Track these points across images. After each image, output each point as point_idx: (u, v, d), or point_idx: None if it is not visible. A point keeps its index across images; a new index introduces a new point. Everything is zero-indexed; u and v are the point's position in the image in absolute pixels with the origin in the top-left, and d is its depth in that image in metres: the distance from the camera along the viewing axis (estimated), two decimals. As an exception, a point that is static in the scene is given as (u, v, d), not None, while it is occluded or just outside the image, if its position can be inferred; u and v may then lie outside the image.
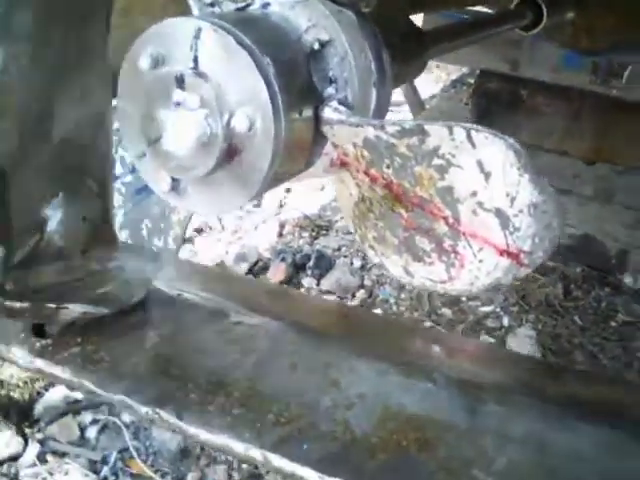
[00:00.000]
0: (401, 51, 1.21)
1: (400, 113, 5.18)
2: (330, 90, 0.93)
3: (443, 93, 6.07)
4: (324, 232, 4.02)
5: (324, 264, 3.57)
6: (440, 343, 1.03)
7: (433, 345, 0.99)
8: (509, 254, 0.86)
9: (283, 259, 3.62)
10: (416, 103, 5.16)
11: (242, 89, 0.82)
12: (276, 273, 3.52)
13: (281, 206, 4.36)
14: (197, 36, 0.81)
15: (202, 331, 0.89)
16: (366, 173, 0.95)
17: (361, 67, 0.95)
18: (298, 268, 3.57)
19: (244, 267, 3.56)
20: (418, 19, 3.34)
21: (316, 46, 0.90)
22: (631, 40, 2.87)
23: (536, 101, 3.72)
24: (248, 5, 0.92)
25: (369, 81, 0.97)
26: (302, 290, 3.40)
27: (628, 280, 3.67)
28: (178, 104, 0.84)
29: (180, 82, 0.83)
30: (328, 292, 3.39)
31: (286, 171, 0.92)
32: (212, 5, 0.93)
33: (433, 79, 6.39)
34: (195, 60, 0.82)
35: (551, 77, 3.60)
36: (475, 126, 0.80)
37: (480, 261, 0.89)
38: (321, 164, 0.99)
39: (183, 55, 0.83)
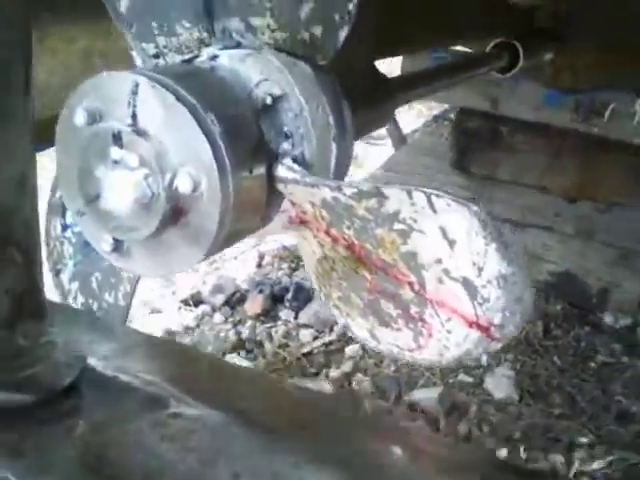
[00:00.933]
0: (364, 101, 1.16)
1: (383, 146, 5.14)
2: (285, 146, 0.87)
3: (425, 128, 6.03)
4: (303, 264, 3.94)
5: (302, 296, 3.49)
6: (413, 446, 0.92)
7: (405, 449, 0.89)
8: (479, 326, 0.81)
9: (261, 291, 3.53)
10: (398, 137, 5.13)
11: (184, 148, 0.76)
12: (253, 305, 3.43)
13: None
14: (135, 91, 0.75)
15: (138, 422, 0.79)
16: (327, 233, 0.89)
17: (318, 122, 0.89)
18: (276, 300, 3.48)
19: (220, 298, 3.47)
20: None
21: (268, 101, 0.84)
22: (613, 78, 2.86)
23: (516, 139, 3.70)
24: (195, 57, 0.86)
25: (328, 136, 0.91)
26: (279, 323, 3.33)
27: (608, 319, 3.61)
28: (116, 162, 0.78)
29: (117, 139, 0.77)
30: (305, 325, 3.31)
31: (240, 230, 0.86)
32: (156, 57, 0.87)
33: (415, 114, 6.37)
34: (133, 116, 0.76)
35: (532, 115, 3.58)
36: (436, 191, 0.74)
37: (448, 332, 0.84)
38: (279, 221, 0.92)
39: (121, 111, 0.77)
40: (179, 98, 0.74)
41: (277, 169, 0.84)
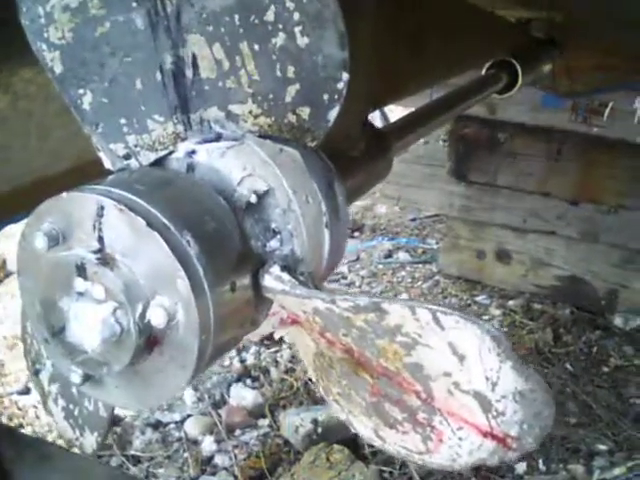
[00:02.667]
0: (361, 163, 1.08)
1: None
2: (274, 244, 0.79)
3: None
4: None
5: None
6: None
7: None
8: (494, 437, 0.74)
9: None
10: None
11: (157, 276, 0.67)
12: (256, 330, 3.37)
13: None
14: (100, 214, 0.67)
15: None
16: (321, 335, 0.81)
17: (309, 213, 0.81)
18: (279, 323, 3.42)
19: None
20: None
21: (253, 199, 0.76)
22: (611, 79, 2.79)
23: (515, 144, 3.63)
24: (170, 154, 0.78)
25: (320, 225, 0.83)
26: (284, 346, 3.27)
27: (618, 321, 3.58)
28: (81, 294, 0.69)
29: (82, 270, 0.68)
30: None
31: (226, 343, 0.78)
32: (127, 157, 0.78)
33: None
34: (100, 241, 0.68)
35: (530, 118, 3.51)
36: (442, 307, 0.67)
37: (460, 439, 0.77)
38: (269, 322, 0.84)
39: (86, 234, 0.69)
40: (150, 222, 0.66)
41: (264, 279, 0.75)
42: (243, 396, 2.90)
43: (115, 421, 2.80)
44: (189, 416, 2.83)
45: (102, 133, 0.79)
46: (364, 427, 0.88)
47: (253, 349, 3.25)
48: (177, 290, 0.66)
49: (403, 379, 0.76)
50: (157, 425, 2.80)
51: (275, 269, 0.75)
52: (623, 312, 3.61)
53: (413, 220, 4.70)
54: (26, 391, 2.95)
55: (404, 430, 0.82)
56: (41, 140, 1.50)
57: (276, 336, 0.79)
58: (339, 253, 0.90)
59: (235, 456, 2.58)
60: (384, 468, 2.51)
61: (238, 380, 3.03)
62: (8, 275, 3.80)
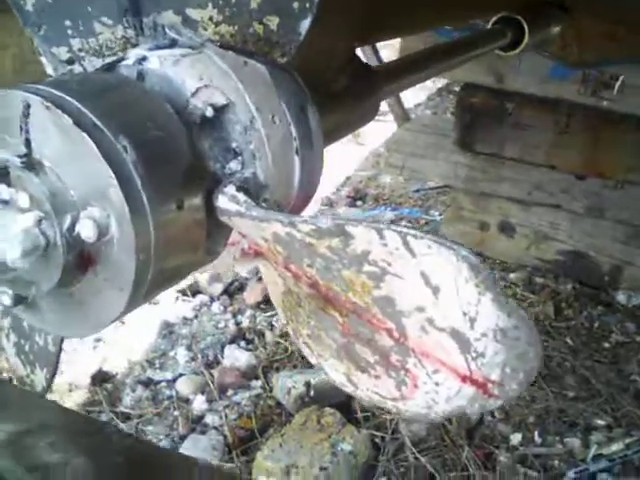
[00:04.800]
0: (343, 98, 0.99)
1: (386, 122, 4.97)
2: (234, 165, 0.71)
3: (428, 101, 5.86)
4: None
5: (303, 283, 3.37)
6: None
7: None
8: (473, 381, 0.67)
9: (260, 279, 3.42)
10: (400, 113, 4.95)
11: (88, 184, 0.60)
12: (252, 293, 3.33)
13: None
14: (26, 114, 0.59)
15: None
16: (286, 268, 0.74)
17: (275, 134, 0.73)
18: (276, 289, 3.37)
19: (219, 288, 3.37)
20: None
21: (209, 113, 0.68)
22: (621, 51, 2.70)
23: (522, 114, 3.53)
24: (120, 60, 0.69)
25: (289, 150, 0.75)
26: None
27: (621, 297, 3.52)
28: (5, 202, 0.62)
29: (4, 175, 0.60)
30: (306, 315, 3.19)
31: (174, 269, 0.70)
32: (70, 62, 0.70)
33: (418, 87, 6.19)
34: (27, 144, 0.60)
35: (538, 89, 3.41)
36: (413, 231, 0.59)
37: (437, 384, 0.70)
38: (230, 253, 0.77)
39: (12, 137, 0.61)
40: (79, 121, 0.58)
41: (218, 199, 0.68)
42: (237, 357, 2.86)
43: (105, 378, 2.77)
44: (181, 375, 2.79)
45: (44, 35, 0.71)
46: (335, 372, 0.82)
47: (249, 312, 3.20)
48: (109, 200, 0.59)
49: (373, 315, 0.69)
50: (148, 383, 2.76)
51: (230, 189, 0.68)
52: (626, 289, 3.55)
53: (417, 191, 4.61)
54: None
55: (376, 374, 0.76)
56: (17, 74, 1.43)
57: (238, 270, 0.71)
58: (312, 185, 0.82)
59: (226, 416, 2.54)
60: (376, 433, 2.46)
61: (232, 342, 2.99)
62: None
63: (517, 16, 1.96)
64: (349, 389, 0.83)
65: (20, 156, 0.60)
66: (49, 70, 0.73)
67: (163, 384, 2.77)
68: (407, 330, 0.67)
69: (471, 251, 0.59)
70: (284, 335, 3.03)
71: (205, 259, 0.74)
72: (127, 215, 0.59)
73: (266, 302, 3.28)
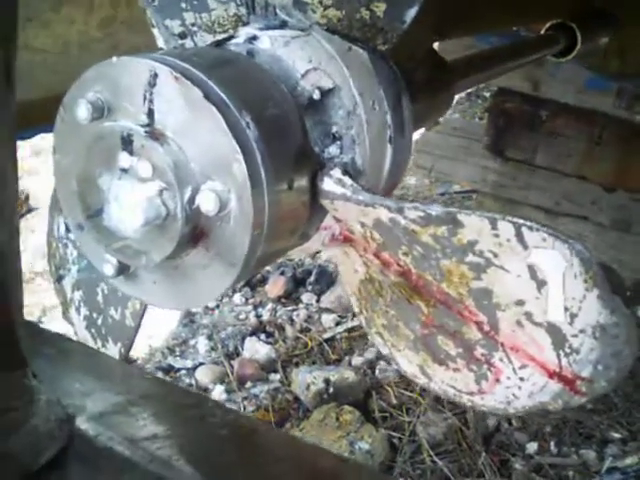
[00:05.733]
0: (425, 89, 1.00)
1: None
2: (333, 150, 0.71)
3: (457, 106, 5.84)
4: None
5: (325, 280, 3.37)
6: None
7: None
8: (561, 378, 0.67)
9: (282, 273, 3.42)
10: (429, 116, 4.92)
11: (211, 158, 0.60)
12: (274, 287, 3.33)
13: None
14: (152, 83, 0.59)
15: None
16: (376, 255, 0.74)
17: (374, 121, 0.73)
18: (298, 283, 3.38)
19: (241, 280, 3.37)
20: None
21: (316, 95, 0.68)
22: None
23: (556, 123, 3.52)
24: (230, 38, 0.70)
25: (384, 137, 0.75)
26: (301, 306, 3.22)
27: (641, 313, 3.49)
28: (124, 171, 0.62)
29: (127, 143, 0.61)
30: (327, 309, 3.20)
31: (273, 252, 0.71)
32: (182, 36, 0.70)
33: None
34: (149, 115, 0.60)
35: (573, 99, 3.40)
36: (529, 222, 0.59)
37: (521, 379, 0.69)
38: (319, 238, 0.77)
39: (134, 106, 0.61)
40: (208, 94, 0.58)
41: (323, 182, 0.68)
42: (257, 349, 2.86)
43: (126, 362, 2.77)
44: (201, 364, 2.79)
45: (158, 7, 0.71)
46: (408, 363, 0.82)
47: (270, 305, 3.20)
48: (232, 175, 0.59)
49: (465, 307, 0.69)
50: (168, 370, 2.77)
51: (336, 172, 0.68)
52: (648, 305, 3.51)
53: (442, 195, 4.60)
54: (38, 326, 2.92)
55: (456, 367, 0.75)
56: (82, 49, 1.44)
57: (324, 255, 0.71)
58: (399, 174, 0.83)
59: (244, 407, 2.54)
60: (393, 434, 2.46)
61: (252, 334, 2.99)
62: (30, 211, 3.75)
63: (570, 23, 1.96)
64: (421, 381, 0.83)
65: (143, 125, 0.60)
66: (160, 43, 0.73)
67: (183, 372, 2.78)
68: (500, 324, 0.67)
69: (586, 246, 0.59)
70: (304, 331, 3.03)
71: (297, 243, 0.75)
72: (248, 191, 0.59)
73: (287, 297, 3.29)
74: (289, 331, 3.05)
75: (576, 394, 0.67)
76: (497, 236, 0.61)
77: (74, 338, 1.01)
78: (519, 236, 0.60)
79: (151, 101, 0.60)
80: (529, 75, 3.43)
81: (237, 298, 3.26)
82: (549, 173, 3.61)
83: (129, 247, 0.64)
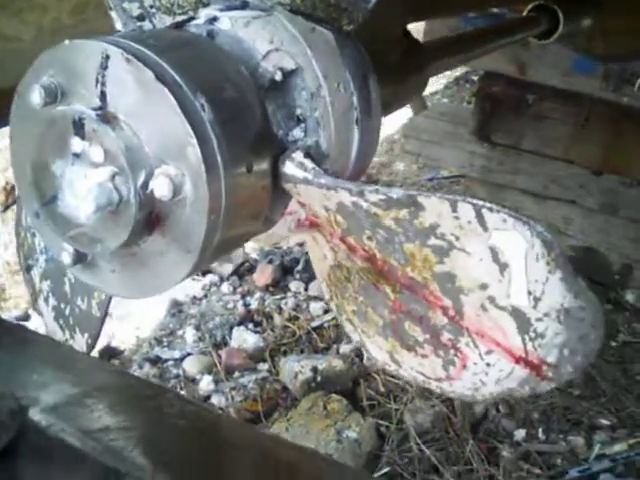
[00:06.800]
0: (395, 72, 0.98)
1: (402, 109, 4.94)
2: (297, 133, 0.70)
3: (445, 90, 5.82)
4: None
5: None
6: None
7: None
8: (527, 363, 0.66)
9: (271, 261, 3.41)
10: (417, 101, 4.91)
11: (165, 141, 0.59)
12: (262, 275, 3.32)
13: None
14: (104, 65, 0.58)
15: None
16: (342, 240, 0.73)
17: (339, 103, 0.72)
18: (286, 271, 3.37)
19: (228, 268, 3.36)
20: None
21: (278, 77, 0.67)
22: (648, 46, 2.68)
23: (542, 106, 3.51)
24: (190, 19, 0.68)
25: (350, 119, 0.74)
26: (289, 294, 3.20)
27: (630, 297, 3.50)
28: (77, 156, 0.61)
29: (79, 128, 0.59)
30: (316, 297, 3.19)
31: (234, 237, 0.70)
32: (141, 18, 0.69)
33: (435, 75, 6.15)
34: (102, 97, 0.59)
35: (560, 81, 3.39)
36: (488, 203, 0.58)
37: (488, 365, 0.69)
38: (285, 223, 0.76)
39: (87, 90, 0.60)
40: (160, 76, 0.57)
41: (285, 165, 0.67)
42: (244, 339, 2.85)
43: (113, 353, 2.77)
44: (189, 354, 2.79)
45: (115, -12, 0.70)
46: (378, 349, 0.81)
47: (258, 294, 3.19)
48: (186, 159, 0.58)
49: (430, 292, 0.68)
50: (156, 360, 2.76)
51: (298, 155, 0.67)
52: (635, 288, 3.52)
53: (430, 180, 4.59)
54: (25, 317, 2.91)
55: (424, 353, 0.75)
56: (55, 36, 1.42)
57: (292, 241, 0.70)
58: (367, 157, 0.82)
59: (232, 397, 2.53)
60: (381, 422, 2.46)
61: (240, 324, 2.98)
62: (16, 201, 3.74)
63: (553, 5, 1.95)
64: (391, 368, 0.82)
65: (95, 109, 0.59)
66: (118, 25, 0.72)
67: (170, 362, 2.77)
68: (464, 308, 0.67)
69: (547, 228, 0.58)
70: (292, 319, 3.03)
71: (261, 229, 0.73)
72: (203, 175, 0.58)
73: (275, 285, 3.28)
74: (277, 320, 3.04)
75: (543, 380, 0.67)
76: (458, 218, 0.60)
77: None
78: (479, 218, 0.59)
79: (103, 84, 0.59)
80: (515, 58, 3.41)
81: (225, 287, 3.25)
82: (536, 157, 3.60)
83: (84, 235, 0.63)
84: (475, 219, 0.59)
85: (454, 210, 0.60)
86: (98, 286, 0.69)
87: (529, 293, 0.61)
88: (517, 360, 0.66)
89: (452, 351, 0.72)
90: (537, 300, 0.61)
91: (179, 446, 0.66)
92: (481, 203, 0.58)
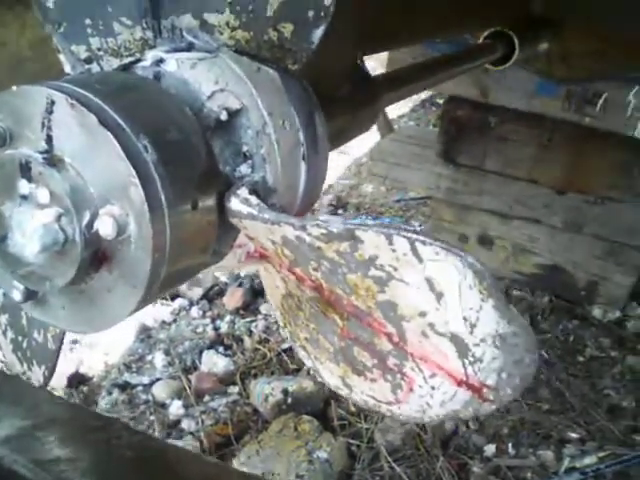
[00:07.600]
0: (345, 105, 1.01)
1: (369, 132, 4.99)
2: (244, 169, 0.73)
3: (412, 113, 5.89)
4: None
5: (283, 291, 3.36)
6: None
7: None
8: (469, 386, 0.69)
9: (240, 284, 3.41)
10: (384, 123, 4.98)
11: (109, 182, 0.61)
12: (232, 298, 3.32)
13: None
14: (50, 110, 0.60)
15: None
16: (290, 271, 0.75)
17: (285, 139, 0.74)
18: (256, 293, 3.36)
19: (198, 292, 3.36)
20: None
21: (223, 117, 0.70)
22: (607, 68, 2.74)
23: (505, 128, 3.57)
24: (136, 62, 0.71)
25: (296, 154, 0.77)
26: (259, 317, 3.21)
27: (596, 312, 3.55)
28: (24, 198, 0.63)
29: (25, 170, 0.61)
30: (285, 321, 3.19)
31: (182, 270, 0.71)
32: (89, 61, 0.71)
33: (402, 98, 6.22)
34: (48, 141, 0.61)
35: (522, 104, 3.45)
36: (421, 236, 0.61)
37: (432, 388, 0.71)
38: (235, 256, 0.78)
39: (34, 134, 0.62)
40: (103, 120, 0.59)
41: (230, 201, 0.69)
42: (214, 362, 2.85)
43: (82, 380, 2.75)
44: (158, 379, 2.77)
45: (64, 33, 0.72)
46: (330, 374, 0.83)
47: (228, 318, 3.19)
48: (129, 199, 0.60)
49: (374, 320, 0.70)
50: (124, 386, 2.74)
51: (243, 191, 0.69)
52: (602, 304, 3.58)
53: (398, 201, 4.64)
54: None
55: (373, 377, 0.77)
56: (13, 71, 1.44)
57: (242, 272, 0.72)
58: (315, 191, 0.84)
59: (202, 421, 2.53)
60: (352, 441, 2.47)
61: (210, 347, 2.97)
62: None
63: (508, 31, 2.00)
64: (344, 392, 0.84)
65: (41, 152, 0.61)
66: (67, 68, 0.74)
67: (140, 388, 2.75)
68: (407, 334, 0.69)
69: (477, 259, 0.61)
70: (262, 342, 3.03)
71: (212, 260, 0.76)
72: (146, 214, 0.60)
73: (245, 308, 3.28)
74: (247, 343, 3.04)
75: (484, 402, 0.69)
76: (394, 251, 0.63)
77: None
78: (414, 250, 0.61)
79: (49, 128, 0.61)
80: (477, 82, 3.47)
81: (194, 311, 3.24)
82: (501, 178, 3.65)
83: (34, 273, 0.65)
84: (410, 251, 0.62)
85: (390, 243, 0.62)
86: (49, 322, 0.71)
87: (465, 320, 0.64)
88: (459, 383, 0.69)
89: (399, 375, 0.74)
90: (473, 326, 0.64)
91: (125, 476, 0.67)
92: (414, 236, 0.61)
